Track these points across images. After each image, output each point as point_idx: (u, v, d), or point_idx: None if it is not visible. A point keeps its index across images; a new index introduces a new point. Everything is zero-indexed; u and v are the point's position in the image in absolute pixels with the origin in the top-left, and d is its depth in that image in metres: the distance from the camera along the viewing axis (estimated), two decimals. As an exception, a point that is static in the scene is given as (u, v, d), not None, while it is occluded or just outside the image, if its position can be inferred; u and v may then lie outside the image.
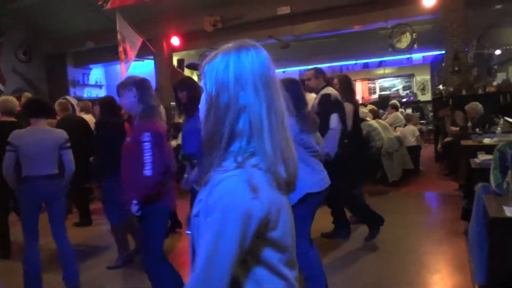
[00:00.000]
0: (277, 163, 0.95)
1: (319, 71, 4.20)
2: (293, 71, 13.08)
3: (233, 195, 0.88)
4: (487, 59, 10.40)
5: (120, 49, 8.03)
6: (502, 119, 5.32)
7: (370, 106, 8.01)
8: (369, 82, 14.92)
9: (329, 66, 13.10)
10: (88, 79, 12.20)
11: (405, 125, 7.85)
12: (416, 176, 7.21)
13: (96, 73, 12.51)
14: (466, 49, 8.08)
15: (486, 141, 5.12)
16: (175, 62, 10.75)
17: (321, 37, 10.52)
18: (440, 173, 7.37)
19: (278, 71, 12.19)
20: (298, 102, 2.68)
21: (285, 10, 8.58)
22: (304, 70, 13.69)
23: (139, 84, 2.68)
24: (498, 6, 8.27)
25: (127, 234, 4.05)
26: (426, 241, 4.19)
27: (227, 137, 0.95)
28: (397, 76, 14.67)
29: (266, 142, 0.94)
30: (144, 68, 11.65)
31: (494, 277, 2.52)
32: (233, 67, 0.96)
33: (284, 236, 0.96)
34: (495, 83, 8.23)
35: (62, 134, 3.38)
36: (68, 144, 3.37)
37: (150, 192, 2.53)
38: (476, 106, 6.31)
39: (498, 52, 10.75)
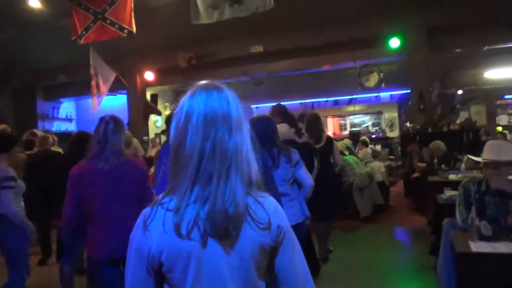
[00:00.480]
0: (189, 203, 0.98)
1: (275, 109, 4.16)
2: (266, 107, 13.28)
3: (134, 229, 1.04)
4: (450, 98, 10.92)
5: (93, 83, 7.98)
6: (465, 156, 5.54)
7: (347, 140, 8.17)
8: (340, 118, 15.33)
9: (301, 103, 13.45)
10: (58, 112, 11.99)
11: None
12: (386, 211, 7.31)
13: (67, 107, 12.33)
14: (430, 89, 8.49)
15: (452, 177, 5.30)
16: (148, 97, 10.78)
17: (293, 75, 10.84)
18: (409, 208, 7.50)
19: (253, 107, 12.21)
20: (262, 138, 2.73)
21: (258, 49, 8.85)
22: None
23: None
24: (458, 50, 8.81)
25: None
26: (396, 277, 4.21)
27: (171, 172, 1.04)
28: (367, 113, 15.16)
29: (183, 181, 0.99)
30: (117, 102, 11.59)
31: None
32: (185, 107, 1.04)
33: (183, 282, 0.99)
34: (458, 121, 8.62)
35: (2, 171, 3.13)
36: (8, 184, 3.11)
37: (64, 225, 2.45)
38: (438, 145, 6.57)
39: (460, 92, 11.35)
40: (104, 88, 8.20)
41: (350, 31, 8.35)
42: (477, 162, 3.08)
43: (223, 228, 0.97)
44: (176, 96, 11.08)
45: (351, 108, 14.76)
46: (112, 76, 8.48)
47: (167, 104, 12.33)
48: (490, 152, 2.90)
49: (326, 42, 8.70)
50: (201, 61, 9.33)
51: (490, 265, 2.48)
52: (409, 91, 8.71)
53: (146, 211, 1.03)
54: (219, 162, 1.00)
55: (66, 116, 12.23)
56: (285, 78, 11.33)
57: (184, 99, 1.06)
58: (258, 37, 8.86)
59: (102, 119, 2.42)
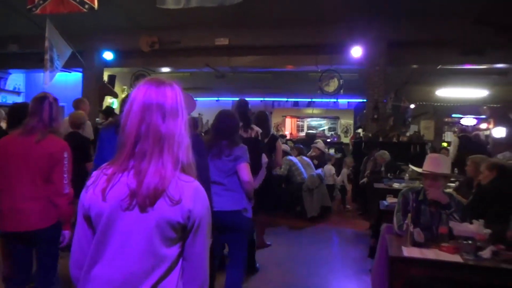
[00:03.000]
0: (122, 173, 1.20)
1: (236, 105, 4.49)
2: (227, 100, 13.29)
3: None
4: (402, 111, 11.42)
5: (46, 57, 7.56)
6: (410, 167, 5.81)
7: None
8: (298, 120, 15.58)
9: (262, 101, 13.54)
10: (5, 84, 11.28)
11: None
12: (332, 213, 7.54)
13: (16, 79, 11.63)
14: (385, 101, 8.83)
15: (395, 185, 5.55)
16: (105, 78, 10.40)
17: (256, 72, 10.88)
18: (355, 212, 7.78)
19: (212, 99, 12.25)
20: (220, 131, 3.10)
21: (223, 41, 8.78)
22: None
23: None
24: (414, 66, 9.23)
25: None
26: (335, 277, 4.35)
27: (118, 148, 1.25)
28: (324, 117, 15.50)
29: (122, 155, 1.22)
30: (71, 79, 11.09)
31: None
32: (131, 97, 1.26)
33: (99, 238, 1.20)
34: (408, 134, 9.04)
35: None
36: None
37: None
38: (383, 154, 6.87)
39: (412, 106, 11.90)
40: (58, 63, 7.82)
41: (315, 35, 8.50)
42: (420, 173, 3.25)
43: (142, 199, 1.16)
44: (135, 79, 10.77)
45: (309, 111, 15.03)
46: (68, 52, 8.09)
47: (125, 87, 11.97)
48: (429, 164, 3.07)
49: (291, 43, 8.81)
50: (164, 47, 9.12)
51: (419, 269, 2.63)
52: (365, 100, 9.01)
53: (93, 173, 1.25)
54: (152, 142, 1.19)
55: (14, 88, 11.54)
56: (248, 74, 11.35)
57: (132, 91, 1.28)
58: (224, 29, 8.80)
59: (45, 97, 2.59)
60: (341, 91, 9.42)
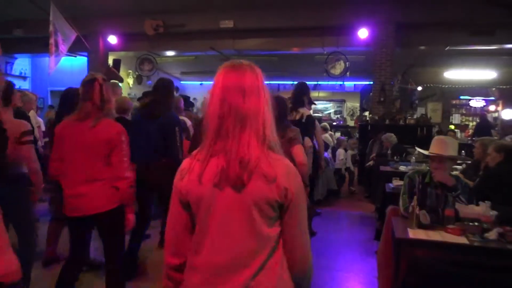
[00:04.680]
0: (212, 155, 1.22)
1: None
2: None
3: (176, 175, 1.30)
4: (410, 94, 11.32)
5: (51, 41, 7.56)
6: (416, 150, 5.79)
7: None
8: (304, 103, 15.49)
9: (267, 84, 13.42)
10: (12, 68, 11.30)
11: (333, 148, 8.23)
12: (338, 196, 7.57)
13: (22, 63, 11.64)
14: (392, 83, 8.74)
15: (402, 168, 5.54)
16: (110, 62, 10.37)
17: (262, 55, 10.78)
18: (361, 195, 7.79)
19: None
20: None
21: (228, 24, 8.70)
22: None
23: None
24: (422, 48, 9.09)
25: None
26: (341, 259, 4.40)
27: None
28: (330, 100, 15.41)
29: (208, 138, 1.24)
30: (76, 63, 11.08)
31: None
32: (213, 82, 1.27)
33: (201, 219, 1.23)
34: (415, 116, 8.97)
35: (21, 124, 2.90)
36: (29, 138, 2.84)
37: None
38: (390, 137, 6.82)
39: (419, 88, 11.77)
40: (63, 48, 7.81)
41: (321, 17, 8.39)
42: (427, 156, 3.23)
43: (235, 178, 1.17)
44: (140, 63, 10.74)
45: (315, 94, 14.91)
46: (73, 36, 8.08)
47: (130, 71, 11.94)
48: (435, 147, 3.06)
49: (297, 25, 8.70)
50: (168, 31, 9.06)
51: (424, 251, 2.65)
52: (371, 82, 8.92)
53: (185, 160, 1.29)
54: (234, 121, 1.20)
55: (20, 73, 11.56)
56: (253, 57, 11.25)
57: (215, 77, 1.28)
58: (229, 12, 8.70)
59: (94, 79, 2.54)
60: (347, 73, 9.33)
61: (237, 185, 1.17)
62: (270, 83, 9.75)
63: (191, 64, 12.49)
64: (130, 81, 12.20)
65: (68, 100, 3.32)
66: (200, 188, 1.20)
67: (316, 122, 4.84)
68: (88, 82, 2.53)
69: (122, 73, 10.71)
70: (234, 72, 1.25)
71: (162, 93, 3.65)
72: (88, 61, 10.14)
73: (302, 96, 4.39)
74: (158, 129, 3.48)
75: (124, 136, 2.54)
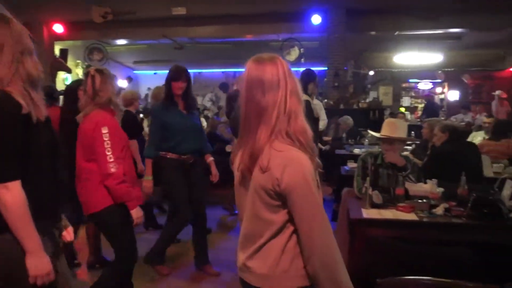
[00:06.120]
0: (238, 148, 1.42)
1: None
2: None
3: None
4: (362, 78, 11.62)
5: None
6: (369, 133, 5.99)
7: None
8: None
9: (223, 72, 13.35)
10: None
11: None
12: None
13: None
14: (346, 68, 8.93)
15: (356, 151, 5.72)
16: (57, 52, 9.87)
17: (216, 42, 10.66)
18: (319, 178, 7.96)
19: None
20: None
21: (180, 11, 8.50)
22: (198, 73, 13.73)
23: None
24: (373, 33, 9.34)
25: None
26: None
27: None
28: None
29: (238, 134, 1.44)
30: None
31: (352, 272, 2.80)
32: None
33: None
34: (367, 100, 9.24)
35: None
36: None
37: None
38: (347, 120, 7.00)
39: (371, 73, 12.12)
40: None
41: (275, 3, 8.38)
42: (379, 138, 3.35)
43: (247, 167, 1.31)
44: (89, 53, 10.30)
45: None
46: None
47: (79, 61, 11.41)
48: (386, 129, 3.17)
49: (251, 11, 8.66)
50: (118, 18, 8.72)
51: (377, 229, 2.76)
52: (326, 68, 9.08)
53: (233, 149, 1.55)
54: (254, 118, 1.30)
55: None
56: (207, 45, 11.11)
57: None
58: (181, -2, 8.50)
59: (86, 73, 2.51)
60: (302, 59, 9.42)
61: (247, 175, 1.33)
62: (226, 71, 9.69)
63: (144, 53, 12.14)
64: (80, 71, 11.68)
65: (72, 96, 3.27)
66: (236, 173, 1.43)
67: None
68: (84, 76, 2.53)
69: (70, 63, 10.22)
70: (255, 67, 1.32)
71: None
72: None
73: (307, 83, 4.44)
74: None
75: (108, 128, 2.33)
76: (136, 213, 2.41)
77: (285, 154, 1.25)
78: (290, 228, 1.28)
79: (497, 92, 9.19)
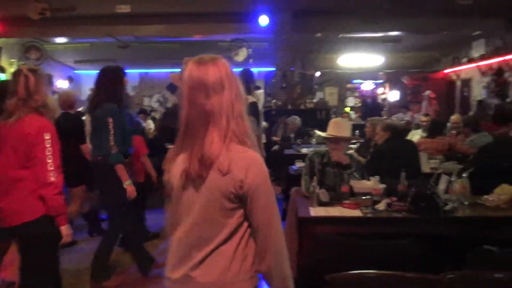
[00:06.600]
0: (180, 153, 1.36)
1: None
2: (134, 73, 12.64)
3: None
4: (308, 79, 11.92)
5: None
6: (316, 132, 6.14)
7: None
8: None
9: (170, 72, 13.09)
10: None
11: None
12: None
13: None
14: (292, 69, 9.11)
15: (304, 150, 5.84)
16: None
17: (163, 41, 10.45)
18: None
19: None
20: None
21: (124, 9, 8.22)
22: (144, 73, 13.38)
23: None
24: (318, 34, 9.60)
25: None
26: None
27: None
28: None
29: (178, 138, 1.38)
30: None
31: (302, 270, 2.86)
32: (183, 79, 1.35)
33: (173, 207, 1.41)
34: (314, 101, 9.49)
35: None
36: None
37: None
38: (294, 120, 7.16)
39: (318, 74, 12.46)
40: None
41: (222, 3, 8.36)
42: (325, 137, 3.44)
43: (195, 175, 1.26)
44: (25, 51, 9.68)
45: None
46: None
47: (13, 60, 10.68)
48: (331, 129, 3.27)
49: (199, 10, 8.58)
50: (57, 15, 8.26)
51: (325, 227, 2.83)
52: (274, 69, 9.21)
53: (168, 152, 1.39)
54: (200, 122, 1.27)
55: None
56: (154, 44, 10.86)
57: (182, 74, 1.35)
58: (125, -5, 8.23)
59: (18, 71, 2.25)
60: (250, 60, 9.48)
61: (196, 180, 1.26)
62: (174, 71, 9.43)
63: (86, 52, 11.62)
64: (12, 70, 10.96)
65: None
66: (172, 181, 1.33)
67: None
68: (13, 75, 2.24)
69: (3, 62, 9.56)
70: (197, 70, 1.29)
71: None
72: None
73: (248, 83, 4.37)
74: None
75: (51, 134, 2.19)
76: (66, 230, 2.25)
77: (246, 155, 1.26)
78: (241, 231, 1.29)
79: (427, 92, 9.86)
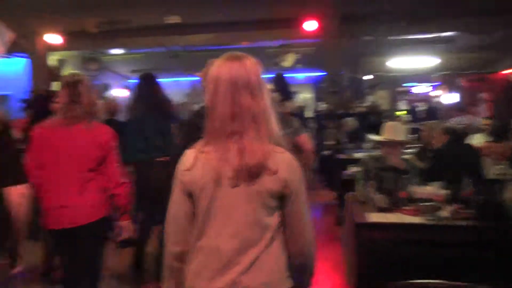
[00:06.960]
0: (218, 151, 1.30)
1: None
2: (183, 81, 13.01)
3: (178, 165, 1.36)
4: (359, 83, 11.67)
5: (-16, 42, 7.02)
6: (369, 137, 5.98)
7: None
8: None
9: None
10: None
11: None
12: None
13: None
14: (342, 73, 8.96)
15: (357, 155, 5.69)
16: (52, 62, 9.84)
17: (211, 50, 10.68)
18: (321, 183, 7.92)
19: (168, 80, 11.90)
20: None
21: (175, 19, 8.49)
22: (196, 81, 13.70)
23: None
24: (367, 38, 9.37)
25: None
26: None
27: (208, 127, 1.38)
28: (282, 93, 15.51)
29: (219, 135, 1.31)
30: (14, 66, 10.38)
31: (362, 277, 2.77)
32: (213, 76, 1.32)
33: (202, 210, 1.30)
34: (365, 105, 9.25)
35: None
36: None
37: None
38: (349, 121, 7.01)
39: (367, 77, 12.17)
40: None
41: (269, 10, 8.40)
42: (379, 142, 3.33)
43: (246, 174, 1.23)
44: (85, 63, 10.27)
45: (268, 87, 15.00)
46: (8, 37, 7.55)
47: (76, 71, 11.37)
48: (387, 132, 3.16)
49: (246, 18, 8.67)
50: (113, 28, 8.70)
51: (383, 233, 2.73)
52: (323, 73, 9.10)
53: (188, 152, 1.33)
54: (247, 121, 1.25)
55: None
56: (202, 53, 11.10)
57: (212, 69, 1.31)
58: (175, 7, 8.50)
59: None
60: (298, 65, 9.44)
61: (246, 181, 1.23)
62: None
63: (141, 62, 12.13)
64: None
65: (38, 104, 3.15)
66: (205, 181, 1.25)
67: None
68: (74, 84, 2.34)
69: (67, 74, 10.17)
70: (238, 67, 1.28)
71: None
72: (31, 63, 9.52)
73: (284, 88, 4.39)
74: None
75: (116, 140, 2.43)
76: (131, 225, 2.51)
77: (286, 156, 1.29)
78: (280, 231, 1.31)
79: (483, 95, 9.32)
